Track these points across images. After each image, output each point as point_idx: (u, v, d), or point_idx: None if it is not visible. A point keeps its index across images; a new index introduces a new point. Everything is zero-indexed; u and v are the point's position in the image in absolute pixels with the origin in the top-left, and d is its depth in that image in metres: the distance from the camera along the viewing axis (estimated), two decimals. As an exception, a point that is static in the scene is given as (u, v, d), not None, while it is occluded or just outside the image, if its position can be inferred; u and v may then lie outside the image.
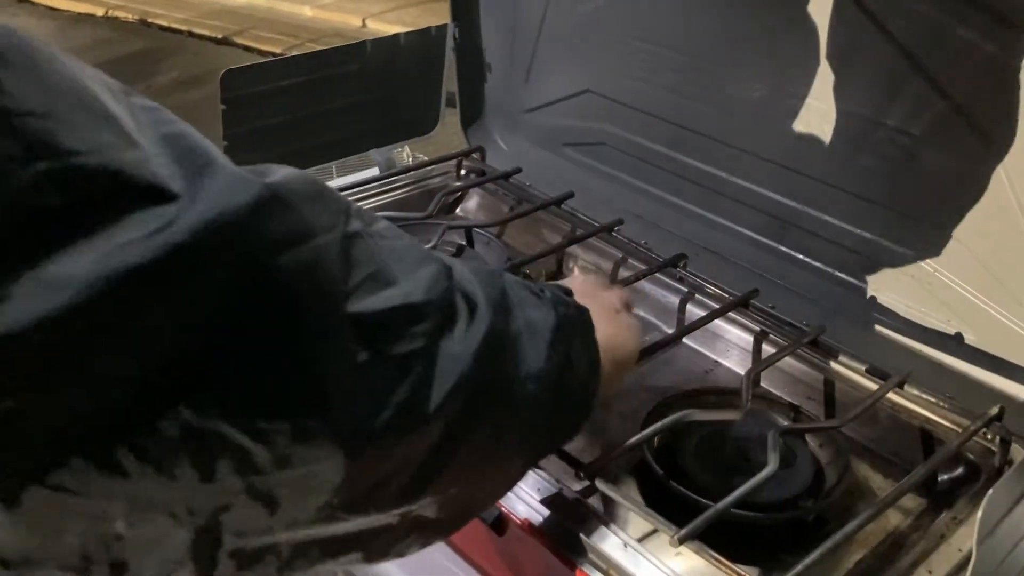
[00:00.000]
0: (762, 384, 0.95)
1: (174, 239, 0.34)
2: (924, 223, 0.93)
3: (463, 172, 1.25)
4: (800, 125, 1.01)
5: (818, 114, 0.97)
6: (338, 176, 1.28)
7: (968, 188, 0.87)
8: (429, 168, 1.25)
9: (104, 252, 0.32)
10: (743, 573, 0.66)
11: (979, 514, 0.53)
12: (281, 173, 0.40)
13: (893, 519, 0.78)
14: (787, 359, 0.92)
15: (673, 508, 0.76)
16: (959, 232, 0.91)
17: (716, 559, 0.66)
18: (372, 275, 0.42)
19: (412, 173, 1.24)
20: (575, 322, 0.59)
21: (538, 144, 1.32)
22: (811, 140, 1.00)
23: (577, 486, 0.74)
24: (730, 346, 0.99)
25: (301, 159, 1.21)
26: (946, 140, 0.88)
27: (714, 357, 1.00)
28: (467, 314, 0.47)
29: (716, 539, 0.68)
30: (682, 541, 0.66)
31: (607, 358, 0.62)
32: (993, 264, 0.88)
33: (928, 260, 0.94)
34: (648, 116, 1.17)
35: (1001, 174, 0.83)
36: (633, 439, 0.76)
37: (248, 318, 0.36)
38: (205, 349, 0.35)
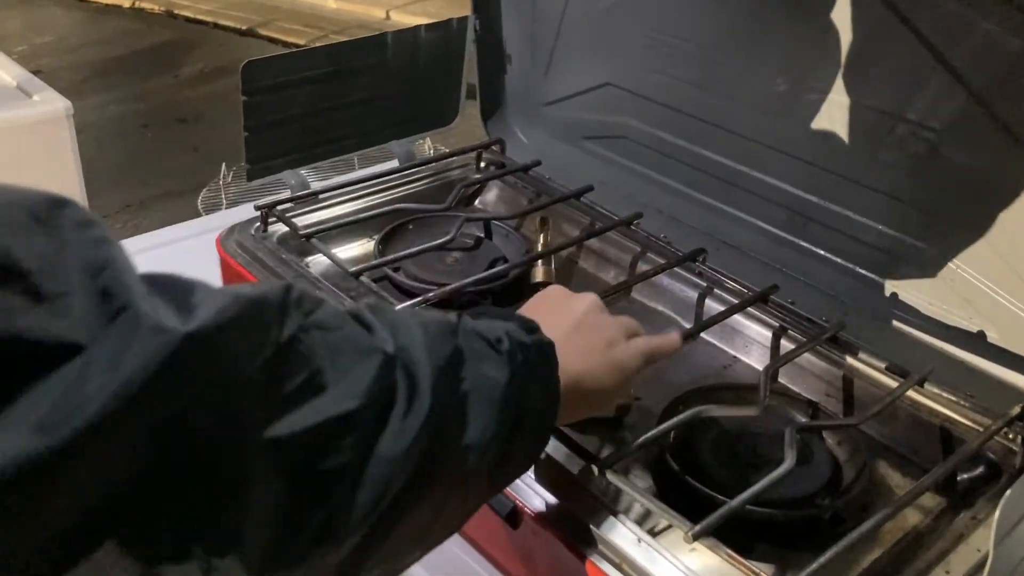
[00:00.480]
0: (780, 380, 0.95)
1: (73, 423, 0.31)
2: (946, 219, 0.92)
3: (482, 164, 1.25)
4: (821, 119, 1.00)
5: (839, 108, 0.96)
6: (359, 167, 1.28)
7: (991, 184, 0.86)
8: (449, 160, 1.25)
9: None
10: (758, 570, 0.65)
11: (996, 515, 0.52)
12: (206, 310, 0.37)
13: (911, 518, 0.78)
14: (806, 355, 0.92)
15: (689, 504, 0.76)
16: (981, 228, 0.90)
17: (730, 556, 0.66)
18: (302, 384, 0.40)
19: (432, 165, 1.24)
20: (534, 365, 0.57)
21: (558, 137, 1.32)
22: (832, 134, 0.99)
23: (592, 480, 0.74)
24: (749, 342, 0.99)
25: (322, 150, 1.21)
26: (969, 135, 0.87)
27: (732, 353, 1.00)
28: (406, 400, 0.45)
29: (731, 535, 0.68)
30: (696, 537, 0.66)
31: (573, 390, 0.61)
32: (1016, 261, 0.87)
33: (949, 255, 0.93)
34: (669, 110, 1.16)
35: (1025, 170, 0.82)
36: (649, 434, 0.75)
37: (157, 477, 0.35)
38: (109, 511, 0.33)
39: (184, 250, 1.30)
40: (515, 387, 0.53)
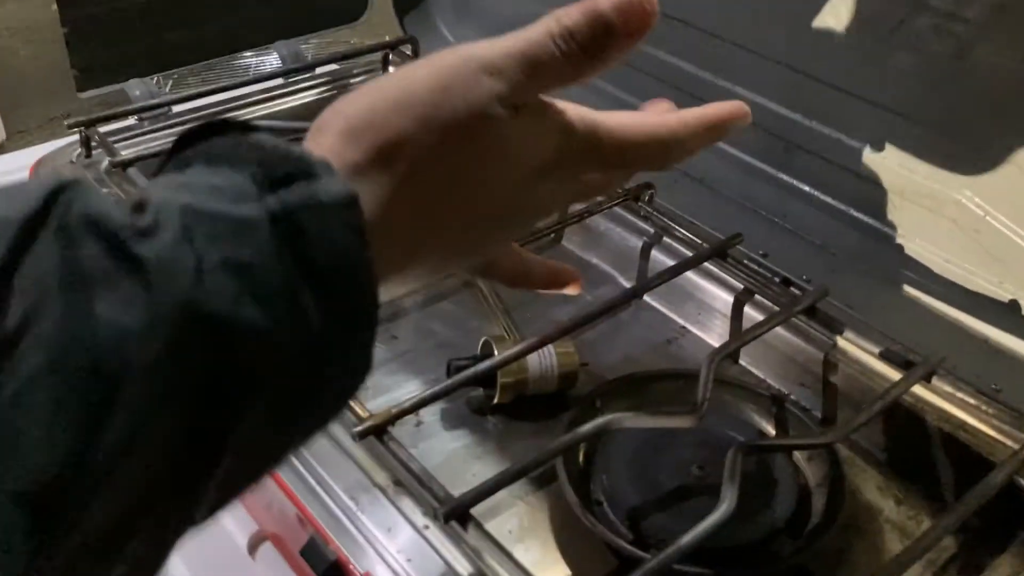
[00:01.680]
0: (741, 360, 0.72)
1: None
2: (972, 145, 0.68)
3: (390, 70, 1.00)
4: (813, 12, 0.75)
5: (838, -5, 0.71)
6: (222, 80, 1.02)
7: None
8: (348, 64, 1.00)
9: None
10: None
11: None
12: None
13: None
14: (777, 328, 0.68)
15: (596, 546, 0.55)
16: (1020, 158, 0.65)
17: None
18: None
19: (326, 71, 0.98)
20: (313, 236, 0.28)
21: (491, 36, 1.06)
22: (829, 34, 0.74)
23: (445, 530, 0.52)
24: (703, 308, 0.75)
25: (182, 55, 0.96)
26: (1011, 28, 0.62)
27: (681, 322, 0.76)
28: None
29: None
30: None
31: (407, 234, 0.32)
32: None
33: (976, 198, 0.69)
34: None
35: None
36: (528, 460, 0.53)
37: None
38: None
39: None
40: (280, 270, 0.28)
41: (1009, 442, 0.59)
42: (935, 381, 0.62)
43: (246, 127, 0.31)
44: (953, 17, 0.66)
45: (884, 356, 0.65)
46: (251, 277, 0.27)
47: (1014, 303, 0.68)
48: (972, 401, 0.62)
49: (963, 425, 0.61)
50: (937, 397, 0.62)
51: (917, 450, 0.63)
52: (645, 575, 0.47)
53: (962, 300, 0.70)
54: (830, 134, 0.76)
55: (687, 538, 0.49)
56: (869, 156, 0.74)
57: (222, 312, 0.26)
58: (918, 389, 0.62)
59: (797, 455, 0.61)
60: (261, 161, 0.29)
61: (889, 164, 0.73)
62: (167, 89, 1.01)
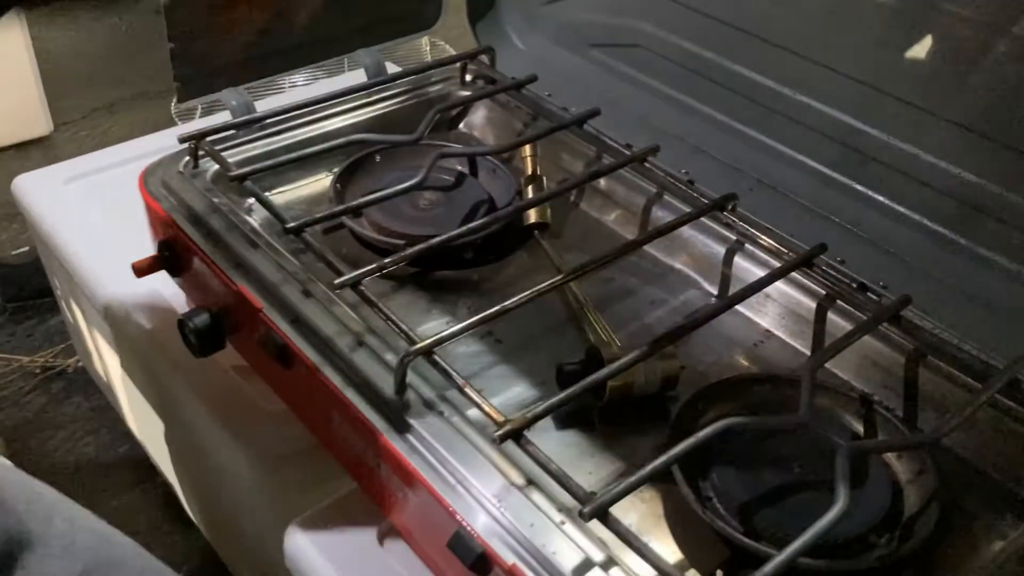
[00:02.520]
0: (825, 365, 0.76)
1: None
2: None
3: (468, 79, 1.04)
4: (891, 30, 0.79)
5: (917, 16, 0.75)
6: (304, 82, 1.07)
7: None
8: (427, 74, 1.04)
9: None
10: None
11: None
12: None
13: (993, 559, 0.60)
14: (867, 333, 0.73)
15: (708, 538, 0.60)
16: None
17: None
18: None
19: (406, 80, 1.03)
20: None
21: (561, 44, 1.10)
22: (904, 50, 0.78)
23: (578, 525, 0.57)
24: (786, 313, 0.80)
25: (270, 63, 1.00)
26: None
27: (765, 326, 0.81)
28: None
29: None
30: (718, 625, 0.49)
31: None
32: None
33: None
34: (695, 13, 0.94)
35: None
36: (656, 463, 0.58)
37: None
38: None
39: (124, 176, 1.10)
40: None
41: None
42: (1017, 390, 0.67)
43: None
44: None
45: (964, 368, 0.70)
46: None
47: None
48: (1051, 405, 0.66)
49: (1042, 427, 0.66)
50: (1019, 404, 0.67)
51: (999, 448, 0.67)
52: (775, 568, 0.52)
53: (1036, 307, 0.74)
54: (905, 148, 0.80)
55: (809, 534, 0.53)
56: (942, 168, 0.79)
57: None
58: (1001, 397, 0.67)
59: (889, 455, 0.66)
60: None
61: (965, 178, 0.77)
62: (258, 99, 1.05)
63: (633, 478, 0.57)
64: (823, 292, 0.77)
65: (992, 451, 0.68)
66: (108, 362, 1.21)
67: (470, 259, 0.85)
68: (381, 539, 0.71)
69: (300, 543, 0.71)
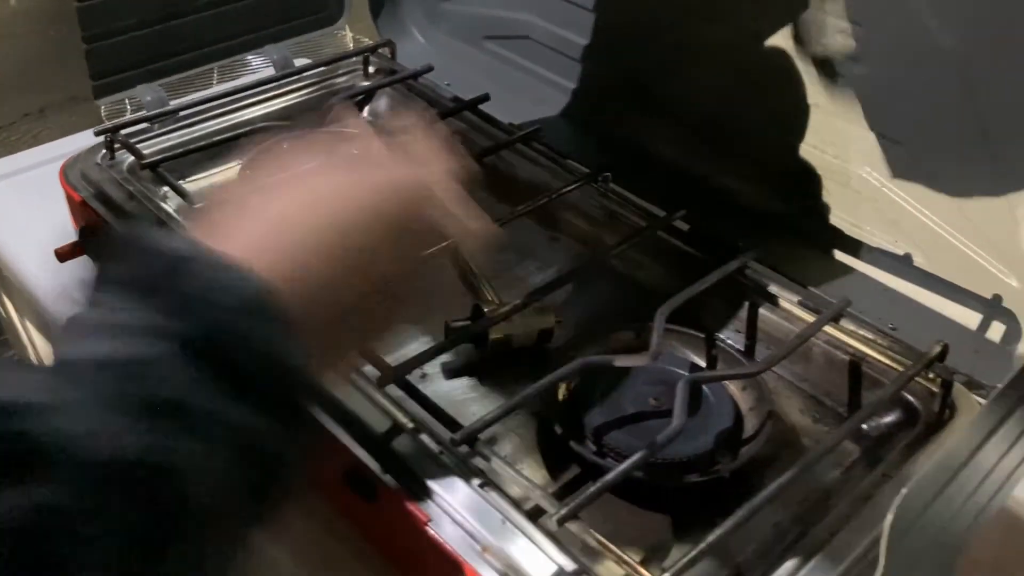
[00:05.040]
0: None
1: None
2: (868, 131, 0.82)
3: (371, 70, 1.12)
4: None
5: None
6: (218, 81, 1.14)
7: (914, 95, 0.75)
8: (333, 67, 1.11)
9: None
10: (626, 558, 0.57)
11: (888, 520, 0.44)
12: None
13: (818, 472, 0.70)
14: (708, 285, 0.82)
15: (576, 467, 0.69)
16: (907, 140, 0.80)
17: (599, 542, 0.58)
18: None
19: (313, 73, 1.10)
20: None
21: (458, 37, 1.18)
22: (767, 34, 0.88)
23: (456, 456, 0.65)
24: (652, 266, 0.89)
25: (183, 59, 1.07)
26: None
27: (639, 279, 0.90)
28: None
29: (624, 504, 0.64)
30: (563, 522, 0.58)
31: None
32: (945, 177, 0.78)
33: (875, 172, 0.83)
34: (574, 6, 1.03)
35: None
36: (519, 396, 0.66)
37: None
38: None
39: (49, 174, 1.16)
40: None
41: (899, 369, 0.74)
42: (843, 322, 0.77)
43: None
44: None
45: (802, 304, 0.80)
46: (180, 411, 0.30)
47: (907, 256, 0.84)
48: (872, 337, 0.76)
49: (865, 357, 0.76)
50: (844, 335, 0.77)
51: (829, 378, 0.78)
52: (604, 485, 0.60)
53: (864, 254, 0.85)
54: (753, 120, 0.90)
55: (642, 452, 0.62)
56: (793, 141, 0.89)
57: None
58: (829, 329, 0.77)
59: (733, 388, 0.76)
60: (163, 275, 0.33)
61: (807, 148, 0.87)
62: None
63: (499, 409, 0.65)
64: (692, 251, 0.87)
65: (825, 380, 0.78)
66: (43, 353, 1.26)
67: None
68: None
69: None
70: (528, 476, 0.64)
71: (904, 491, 0.44)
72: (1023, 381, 0.56)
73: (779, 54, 0.85)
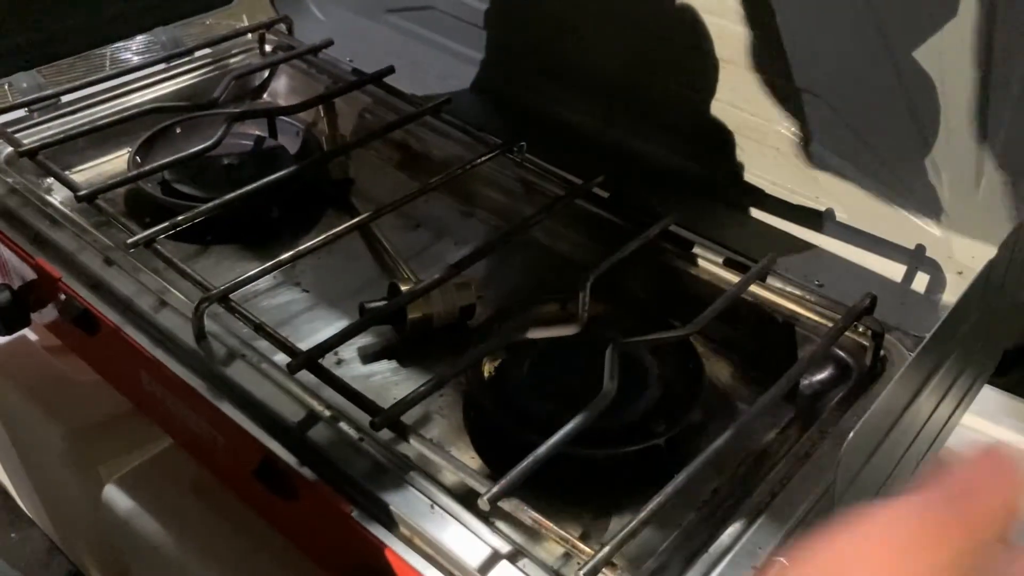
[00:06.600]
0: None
1: None
2: (785, 85, 0.80)
3: (267, 48, 1.06)
4: None
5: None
6: (110, 66, 1.07)
7: (831, 48, 0.74)
8: (227, 46, 1.05)
9: None
10: (565, 535, 0.54)
11: (838, 468, 0.42)
12: None
13: (753, 435, 0.68)
14: (633, 250, 0.79)
15: (506, 446, 0.65)
16: (825, 93, 0.78)
17: (534, 520, 0.54)
18: None
19: (205, 53, 1.04)
20: None
21: (359, 12, 1.13)
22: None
23: (375, 440, 0.61)
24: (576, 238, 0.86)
25: (65, 44, 1.00)
26: None
27: (559, 250, 0.86)
28: None
29: (556, 481, 0.60)
30: (494, 502, 0.54)
31: None
32: (864, 130, 0.76)
33: (792, 127, 0.82)
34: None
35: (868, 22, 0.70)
36: (443, 374, 0.62)
37: None
38: None
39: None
40: None
41: (828, 324, 0.72)
42: (769, 280, 0.75)
43: None
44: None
45: (727, 264, 0.78)
46: None
47: (829, 211, 0.82)
48: (800, 294, 0.75)
49: (794, 314, 0.75)
50: (772, 293, 0.75)
51: (759, 337, 0.76)
52: (534, 463, 0.56)
53: (787, 212, 0.83)
54: (667, 85, 0.88)
55: (573, 423, 0.59)
56: (706, 99, 0.87)
57: None
58: (756, 288, 0.75)
59: (663, 353, 0.73)
60: None
61: (722, 106, 0.85)
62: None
63: (421, 388, 0.61)
64: (612, 218, 0.84)
65: (755, 340, 0.76)
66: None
67: (277, 219, 0.88)
68: (196, 489, 0.73)
69: (116, 500, 0.72)
70: (457, 458, 0.60)
71: (844, 447, 0.42)
72: (950, 329, 0.54)
73: (686, 9, 0.82)
